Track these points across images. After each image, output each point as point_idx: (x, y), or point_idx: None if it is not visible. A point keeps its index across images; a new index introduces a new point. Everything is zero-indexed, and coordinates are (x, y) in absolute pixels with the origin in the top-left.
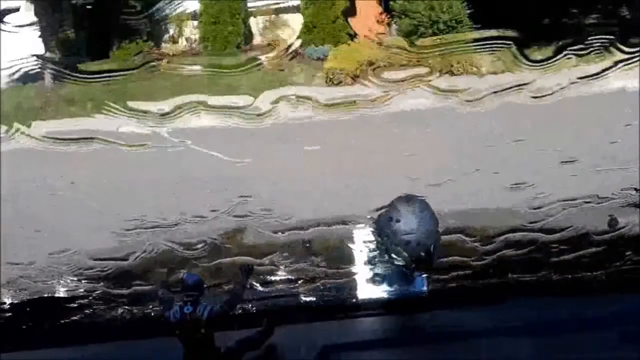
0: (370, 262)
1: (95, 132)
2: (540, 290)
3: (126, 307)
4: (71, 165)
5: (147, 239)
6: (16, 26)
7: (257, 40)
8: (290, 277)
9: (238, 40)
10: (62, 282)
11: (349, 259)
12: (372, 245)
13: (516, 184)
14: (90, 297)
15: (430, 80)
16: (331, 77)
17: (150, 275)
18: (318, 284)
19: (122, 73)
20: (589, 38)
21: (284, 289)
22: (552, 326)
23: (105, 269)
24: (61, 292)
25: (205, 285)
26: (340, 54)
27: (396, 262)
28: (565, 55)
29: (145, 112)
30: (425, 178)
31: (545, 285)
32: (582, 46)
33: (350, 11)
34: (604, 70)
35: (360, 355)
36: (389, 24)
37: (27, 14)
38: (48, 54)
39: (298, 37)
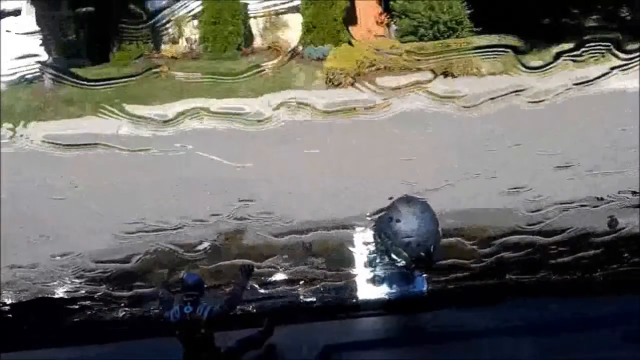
0: (371, 262)
1: (96, 136)
2: (541, 290)
3: (126, 308)
4: (71, 167)
5: (148, 241)
6: (17, 33)
7: (257, 41)
8: (290, 278)
9: (238, 40)
10: (63, 283)
11: (349, 260)
12: (372, 246)
13: (515, 188)
14: (91, 298)
15: (429, 83)
16: (331, 77)
17: (151, 277)
18: (318, 285)
19: (123, 80)
20: (587, 45)
21: (285, 289)
22: (552, 326)
23: (106, 271)
24: (61, 293)
25: (205, 286)
26: (340, 54)
27: (396, 263)
28: (564, 60)
29: (145, 115)
30: (423, 181)
31: (545, 286)
32: (580, 51)
33: (350, 11)
34: (603, 75)
35: (361, 355)
36: (388, 25)
37: (28, 16)
38: (48, 57)
39: (300, 41)
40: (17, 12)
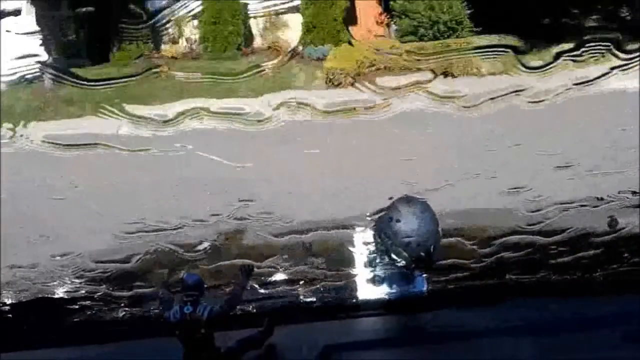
0: (371, 262)
1: (96, 136)
2: (541, 290)
3: (126, 308)
4: (71, 167)
5: (148, 241)
6: (17, 33)
7: (257, 41)
8: (290, 278)
9: (238, 40)
10: (63, 283)
11: (349, 260)
12: (372, 246)
13: (515, 188)
14: (91, 298)
15: (429, 83)
16: (331, 77)
17: (151, 277)
18: (318, 285)
19: (123, 80)
20: (587, 45)
21: (285, 289)
22: (552, 326)
23: (106, 271)
24: (61, 293)
25: (205, 286)
26: (340, 54)
27: (396, 263)
28: (564, 60)
29: (145, 115)
30: (423, 181)
31: (545, 286)
32: (580, 51)
33: (350, 11)
34: (603, 75)
35: (361, 355)
36: (388, 25)
37: (28, 16)
38: (48, 57)
39: (300, 41)
40: (17, 12)
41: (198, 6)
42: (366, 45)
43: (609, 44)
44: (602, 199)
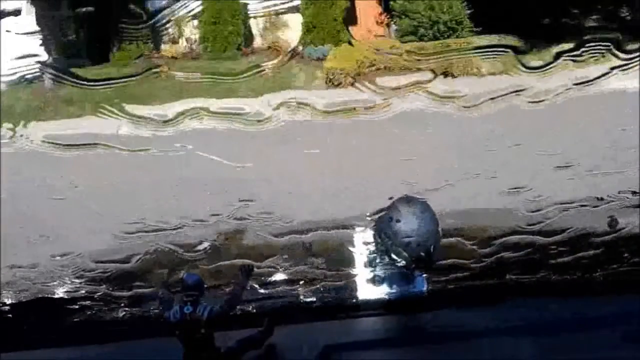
0: (371, 262)
1: (95, 136)
2: (541, 290)
3: (126, 308)
4: (71, 167)
5: (148, 241)
6: (17, 33)
7: (257, 41)
8: (290, 278)
9: (238, 40)
10: (63, 283)
11: (349, 260)
12: (372, 246)
13: (515, 188)
14: (91, 298)
15: (429, 83)
16: (331, 77)
17: (150, 277)
18: (318, 285)
19: (122, 80)
20: (587, 45)
21: (285, 290)
22: (552, 326)
23: (106, 271)
24: (61, 293)
25: (205, 285)
26: (340, 54)
27: (396, 263)
28: (564, 60)
29: (145, 115)
30: (423, 181)
31: (545, 286)
32: (580, 51)
33: (350, 11)
34: (603, 75)
35: (361, 355)
36: (388, 25)
37: (28, 16)
38: (48, 57)
39: (300, 41)
40: (17, 12)
41: (198, 6)
42: (366, 45)
43: (609, 44)
44: (602, 199)
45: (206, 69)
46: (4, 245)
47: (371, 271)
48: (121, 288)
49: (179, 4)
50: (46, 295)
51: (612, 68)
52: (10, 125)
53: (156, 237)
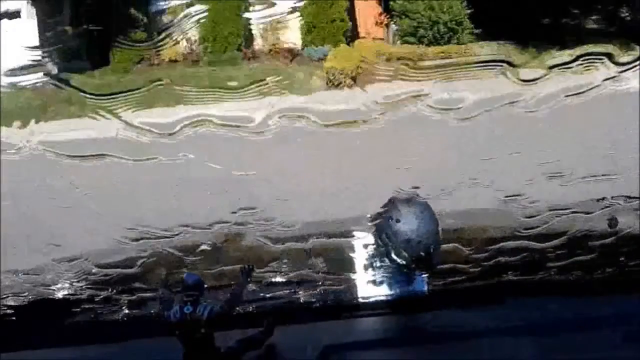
0: (371, 263)
1: (96, 137)
2: (541, 290)
3: (127, 309)
4: (71, 167)
5: (149, 244)
6: (17, 35)
7: (258, 42)
8: (291, 280)
9: (238, 41)
10: (64, 285)
11: (350, 261)
12: (373, 247)
13: (513, 195)
14: (92, 300)
15: (428, 90)
16: (331, 77)
17: (151, 280)
18: (319, 285)
19: (123, 94)
20: (583, 58)
21: (285, 292)
22: (552, 326)
23: (107, 274)
24: (62, 295)
25: (205, 286)
26: (340, 54)
27: (397, 263)
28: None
29: (146, 121)
30: (420, 190)
31: (545, 286)
32: (576, 65)
33: (350, 11)
34: (598, 85)
35: (362, 355)
36: (387, 25)
37: (28, 18)
38: (48, 59)
39: (302, 43)
40: (17, 14)
41: (198, 7)
42: (366, 46)
43: (604, 57)
44: (603, 199)
45: (207, 79)
46: (3, 246)
47: (372, 272)
48: (122, 290)
49: (179, 6)
50: (47, 297)
51: (606, 79)
52: (11, 126)
53: (157, 241)
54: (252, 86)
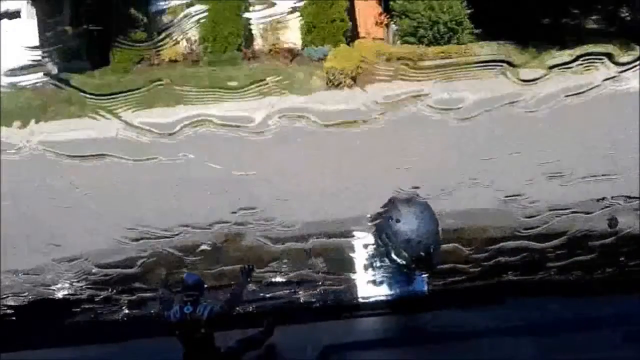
0: (372, 263)
1: (96, 137)
2: (541, 290)
3: (127, 309)
4: (71, 167)
5: (149, 244)
6: (17, 35)
7: (258, 42)
8: (291, 280)
9: (238, 41)
10: (64, 285)
11: (350, 261)
12: (373, 247)
13: (513, 195)
14: (92, 300)
15: (428, 90)
16: (331, 77)
17: (151, 280)
18: (319, 286)
19: (123, 94)
20: (584, 54)
21: (286, 290)
22: (552, 326)
23: (107, 274)
24: (62, 295)
25: (205, 286)
26: (340, 54)
27: (397, 263)
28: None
29: (146, 121)
30: (420, 190)
31: (545, 286)
32: (577, 64)
33: (350, 12)
34: (598, 85)
35: (362, 355)
36: (387, 25)
37: (28, 18)
38: (49, 59)
39: (302, 43)
40: (17, 14)
41: (198, 7)
42: (366, 46)
43: (604, 57)
44: (603, 198)
45: (207, 79)
46: (3, 246)
47: (372, 272)
48: (122, 290)
49: (179, 5)
50: (47, 297)
51: (606, 79)
52: (11, 126)
53: (157, 241)
54: (252, 86)
